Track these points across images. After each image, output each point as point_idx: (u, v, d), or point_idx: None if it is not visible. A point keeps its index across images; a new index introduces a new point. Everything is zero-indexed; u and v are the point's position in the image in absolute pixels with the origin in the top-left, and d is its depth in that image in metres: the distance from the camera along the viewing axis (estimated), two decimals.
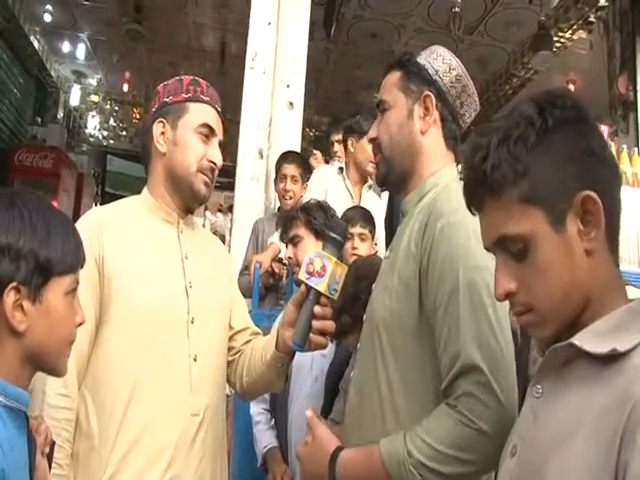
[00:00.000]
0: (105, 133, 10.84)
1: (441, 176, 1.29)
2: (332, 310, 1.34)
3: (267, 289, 3.06)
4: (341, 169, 3.28)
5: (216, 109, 1.53)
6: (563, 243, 0.81)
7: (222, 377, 1.53)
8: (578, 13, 5.93)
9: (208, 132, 1.49)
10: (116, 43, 8.06)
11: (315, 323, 1.31)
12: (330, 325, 1.33)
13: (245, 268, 3.08)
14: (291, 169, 3.23)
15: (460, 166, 1.28)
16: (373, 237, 2.56)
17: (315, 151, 4.45)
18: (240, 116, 3.71)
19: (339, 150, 3.74)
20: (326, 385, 2.04)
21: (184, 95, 1.50)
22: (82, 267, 1.03)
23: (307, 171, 3.30)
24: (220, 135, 1.52)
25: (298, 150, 3.61)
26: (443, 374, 1.10)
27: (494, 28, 6.86)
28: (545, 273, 0.82)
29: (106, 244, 1.40)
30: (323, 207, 2.19)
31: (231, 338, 1.57)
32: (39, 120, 8.86)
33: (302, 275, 1.30)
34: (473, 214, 0.90)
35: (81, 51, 8.74)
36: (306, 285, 1.31)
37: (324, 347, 1.38)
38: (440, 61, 1.33)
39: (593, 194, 0.79)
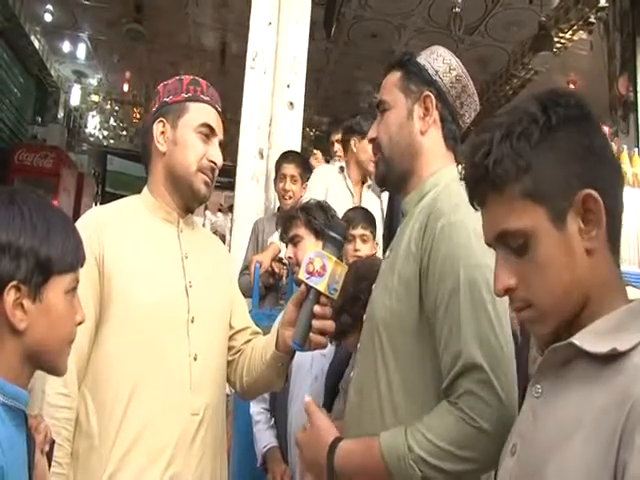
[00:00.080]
0: (105, 133, 10.84)
1: (441, 176, 1.29)
2: (332, 309, 1.34)
3: (267, 289, 3.06)
4: (342, 168, 3.29)
5: (216, 109, 1.53)
6: (563, 241, 0.81)
7: (222, 376, 1.53)
8: (578, 14, 5.93)
9: (208, 132, 1.49)
10: (116, 43, 8.06)
11: (315, 322, 1.31)
12: (330, 324, 1.34)
13: (245, 268, 3.08)
14: (290, 169, 3.23)
15: (460, 166, 1.28)
16: (374, 237, 2.56)
17: (315, 151, 4.45)
18: (240, 116, 3.71)
19: (339, 150, 3.75)
20: (326, 385, 2.04)
21: (184, 95, 1.50)
22: (82, 266, 1.03)
23: (307, 171, 3.30)
24: (220, 135, 1.52)
25: (298, 150, 3.61)
26: (444, 373, 1.10)
27: (494, 28, 6.86)
28: (545, 269, 0.82)
29: (106, 243, 1.40)
30: (323, 207, 2.19)
31: (231, 338, 1.57)
32: (39, 120, 8.86)
33: (302, 275, 1.30)
34: (475, 209, 0.90)
35: (81, 51, 8.74)
36: (306, 285, 1.31)
37: (324, 346, 1.38)
38: (440, 61, 1.33)
39: (594, 193, 0.79)
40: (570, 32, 6.34)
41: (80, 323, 1.02)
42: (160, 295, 1.41)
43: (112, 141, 10.77)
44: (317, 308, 1.30)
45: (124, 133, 10.80)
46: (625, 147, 3.53)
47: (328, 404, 1.97)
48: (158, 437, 1.34)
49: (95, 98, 10.53)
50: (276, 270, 3.01)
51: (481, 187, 0.86)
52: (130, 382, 1.35)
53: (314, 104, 8.80)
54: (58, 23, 7.78)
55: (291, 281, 2.72)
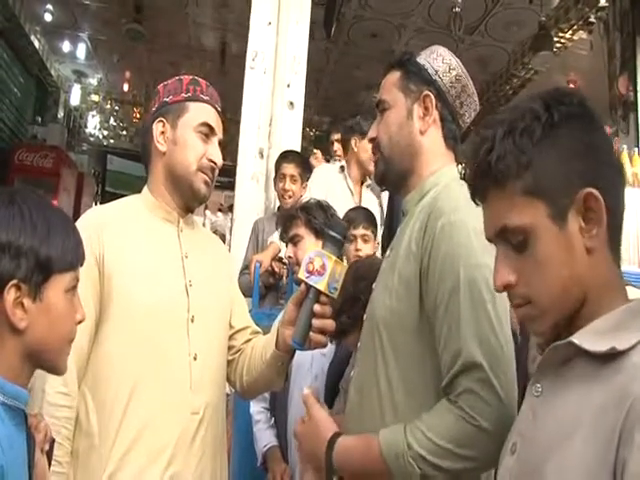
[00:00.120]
0: (105, 132, 10.84)
1: (441, 175, 1.29)
2: (332, 308, 1.35)
3: (267, 288, 3.07)
4: (342, 168, 3.29)
5: (216, 108, 1.53)
6: (564, 238, 0.81)
7: (222, 376, 1.53)
8: (578, 13, 5.93)
9: (208, 131, 1.49)
10: (116, 43, 8.06)
11: (315, 322, 1.31)
12: (330, 323, 1.34)
13: (245, 267, 3.09)
14: (290, 168, 3.23)
15: (460, 166, 1.29)
16: (375, 237, 2.57)
17: (315, 150, 4.45)
18: (240, 116, 3.71)
19: (339, 149, 3.75)
20: (326, 384, 2.04)
21: (184, 94, 1.50)
22: (82, 265, 1.03)
23: (306, 170, 3.30)
24: (220, 134, 1.53)
25: (298, 150, 3.61)
26: (443, 372, 1.11)
27: (494, 28, 6.86)
28: (544, 266, 0.82)
29: (106, 243, 1.40)
30: (323, 206, 2.19)
31: (231, 337, 1.58)
32: (39, 119, 8.86)
33: (302, 274, 1.30)
34: (477, 204, 0.90)
35: (81, 51, 8.74)
36: (306, 284, 1.31)
37: (324, 346, 1.38)
38: (440, 61, 1.33)
39: (595, 192, 0.79)
40: (570, 32, 6.34)
41: (80, 322, 1.02)
42: (160, 294, 1.41)
43: (112, 141, 10.78)
44: (317, 307, 1.30)
45: (124, 133, 10.80)
46: (625, 147, 3.53)
47: (328, 403, 1.97)
48: (158, 436, 1.34)
49: (95, 98, 10.54)
50: (276, 269, 3.02)
51: (483, 183, 0.86)
52: (130, 381, 1.35)
53: (314, 104, 8.80)
54: (58, 23, 7.79)
55: (291, 280, 2.72)
